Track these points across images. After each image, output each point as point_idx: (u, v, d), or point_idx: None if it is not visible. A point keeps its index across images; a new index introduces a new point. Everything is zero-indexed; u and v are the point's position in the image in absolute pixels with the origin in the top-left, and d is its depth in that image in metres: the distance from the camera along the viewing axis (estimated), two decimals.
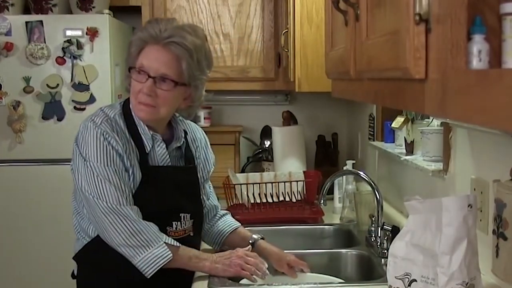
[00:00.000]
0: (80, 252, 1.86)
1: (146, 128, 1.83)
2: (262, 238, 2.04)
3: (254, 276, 1.83)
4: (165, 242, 1.75)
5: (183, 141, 1.94)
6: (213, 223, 2.09)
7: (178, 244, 1.79)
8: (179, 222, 1.88)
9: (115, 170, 1.75)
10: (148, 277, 1.73)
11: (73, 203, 1.90)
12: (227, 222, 2.10)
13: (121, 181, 1.75)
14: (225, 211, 2.16)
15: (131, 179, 1.78)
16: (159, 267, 1.73)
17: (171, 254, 1.74)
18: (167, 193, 1.85)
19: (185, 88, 1.83)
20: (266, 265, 1.88)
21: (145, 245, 1.72)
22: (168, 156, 1.88)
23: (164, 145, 1.87)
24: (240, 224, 2.12)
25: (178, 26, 1.80)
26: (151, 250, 1.72)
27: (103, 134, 1.75)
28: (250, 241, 2.01)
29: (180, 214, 1.88)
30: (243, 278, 1.91)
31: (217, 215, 2.11)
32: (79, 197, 1.83)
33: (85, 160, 1.75)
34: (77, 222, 1.88)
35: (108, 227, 1.73)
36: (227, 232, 2.07)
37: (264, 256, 1.96)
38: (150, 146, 1.83)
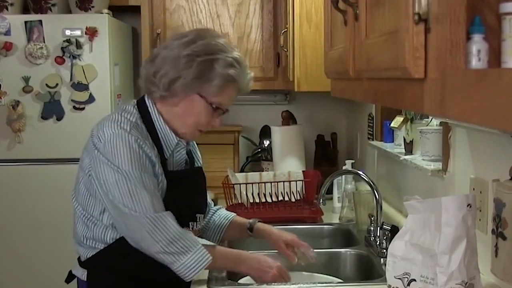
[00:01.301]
0: (93, 257, 1.82)
1: (173, 134, 1.83)
2: (259, 221, 2.06)
3: None
4: (203, 245, 1.75)
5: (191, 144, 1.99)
6: (209, 219, 2.10)
7: (213, 243, 1.81)
8: (195, 223, 1.90)
9: (150, 177, 1.72)
10: (187, 281, 1.74)
11: (78, 210, 1.83)
12: (223, 215, 2.11)
13: (155, 188, 1.73)
14: (218, 206, 2.18)
15: (159, 186, 1.78)
16: (200, 271, 1.74)
17: (211, 257, 1.74)
18: (187, 197, 1.87)
19: None
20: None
21: (184, 251, 1.71)
22: (184, 161, 1.90)
23: (185, 151, 1.89)
24: (234, 213, 2.13)
25: (247, 65, 1.86)
26: (191, 255, 1.72)
27: (136, 141, 1.71)
28: (248, 226, 2.04)
29: (196, 215, 1.91)
30: (242, 277, 1.91)
31: (211, 210, 2.13)
32: (95, 204, 1.78)
33: (118, 169, 1.69)
34: (86, 230, 1.81)
35: (146, 236, 1.70)
36: (225, 226, 2.08)
37: (264, 237, 2.01)
38: (170, 152, 1.83)
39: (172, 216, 1.74)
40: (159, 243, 1.69)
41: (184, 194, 1.85)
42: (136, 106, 1.83)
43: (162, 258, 1.71)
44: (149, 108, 1.83)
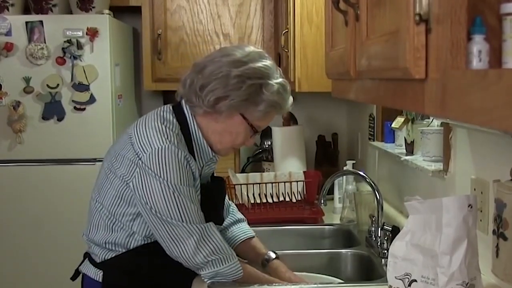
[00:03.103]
0: (111, 260, 1.81)
1: (209, 149, 1.84)
2: (277, 257, 1.98)
3: None
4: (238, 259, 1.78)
5: None
6: (227, 226, 2.06)
7: (244, 261, 1.83)
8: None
9: (195, 191, 1.74)
10: (208, 282, 1.77)
11: (102, 212, 1.80)
12: (243, 229, 2.07)
13: (198, 201, 1.76)
14: (242, 217, 2.12)
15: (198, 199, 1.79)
16: (230, 280, 1.76)
17: (242, 271, 1.76)
18: (214, 209, 1.88)
19: None
20: None
21: (223, 259, 1.74)
22: (212, 173, 1.93)
23: (215, 165, 1.91)
24: (254, 234, 2.07)
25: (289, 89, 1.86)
26: (228, 264, 1.74)
27: (186, 158, 1.71)
28: (264, 258, 1.97)
29: (217, 226, 1.91)
30: None
31: (232, 216, 2.09)
32: (127, 211, 1.77)
33: (167, 183, 1.68)
34: (109, 233, 1.80)
35: (192, 245, 1.71)
36: (240, 240, 2.04)
37: (272, 275, 1.92)
38: (202, 165, 1.84)
39: (216, 226, 1.77)
40: (202, 253, 1.71)
41: (211, 206, 1.85)
42: (174, 114, 1.81)
43: (203, 270, 1.74)
44: (188, 119, 1.81)
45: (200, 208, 1.75)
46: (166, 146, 1.69)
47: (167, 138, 1.71)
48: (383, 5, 1.15)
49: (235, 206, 2.13)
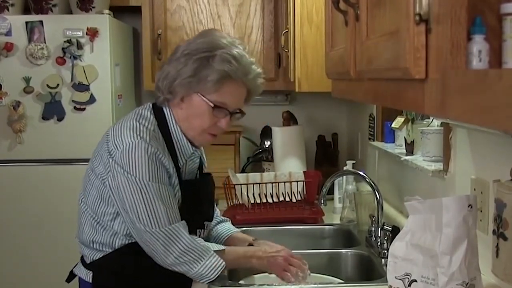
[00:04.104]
0: (99, 260, 1.82)
1: (189, 144, 1.81)
2: (256, 239, 2.00)
3: (294, 279, 1.80)
4: (214, 251, 1.76)
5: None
6: (212, 226, 2.07)
7: (222, 247, 1.81)
8: (202, 230, 1.89)
9: (166, 188, 1.71)
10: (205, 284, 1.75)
11: (88, 213, 1.81)
12: (227, 227, 2.09)
13: (171, 198, 1.73)
14: (226, 218, 2.15)
15: (175, 196, 1.77)
16: (216, 276, 1.74)
17: (224, 262, 1.75)
18: (198, 205, 1.87)
19: None
20: (308, 269, 1.86)
21: (197, 259, 1.72)
22: (197, 169, 1.89)
23: (198, 160, 1.88)
24: (239, 230, 2.10)
25: (253, 62, 1.80)
26: (204, 262, 1.73)
27: (155, 154, 1.69)
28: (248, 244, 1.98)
29: (205, 222, 1.91)
30: (243, 278, 1.91)
31: (216, 218, 2.10)
32: (107, 210, 1.77)
33: (136, 180, 1.67)
34: (94, 233, 1.80)
35: (159, 248, 1.70)
36: (226, 236, 2.05)
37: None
38: (184, 161, 1.82)
39: (185, 226, 1.74)
40: (172, 255, 1.70)
41: (195, 202, 1.84)
42: (152, 111, 1.80)
43: (177, 269, 1.73)
44: (166, 115, 1.81)
45: (174, 206, 1.73)
46: (136, 142, 1.69)
47: (138, 134, 1.70)
48: (383, 5, 1.15)
49: (218, 210, 2.14)
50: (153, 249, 1.71)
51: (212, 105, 1.76)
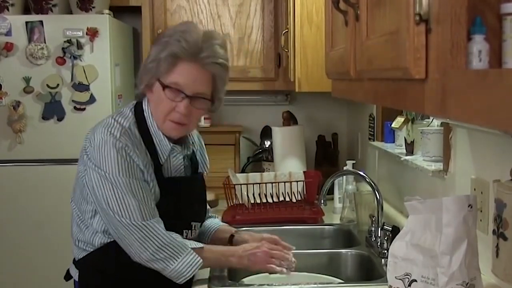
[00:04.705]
0: (83, 259, 1.83)
1: (166, 140, 1.79)
2: (237, 231, 2.01)
3: (280, 268, 1.80)
4: (192, 248, 1.74)
5: (192, 149, 1.92)
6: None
7: (201, 244, 1.79)
8: (189, 231, 1.87)
9: (138, 182, 1.70)
10: (181, 283, 1.74)
11: (75, 212, 1.83)
12: (214, 221, 2.08)
13: (144, 193, 1.71)
14: (213, 215, 2.15)
15: (152, 192, 1.75)
16: (192, 274, 1.73)
17: (201, 260, 1.73)
18: (183, 204, 1.84)
19: (213, 102, 1.82)
20: (292, 257, 1.85)
21: (174, 256, 1.71)
22: (183, 166, 1.86)
23: (181, 156, 1.84)
24: (225, 224, 2.11)
25: (213, 43, 1.73)
26: (181, 260, 1.71)
27: (124, 149, 1.68)
28: (229, 238, 1.99)
29: (192, 223, 1.88)
30: (243, 278, 1.91)
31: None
32: (87, 208, 1.78)
33: (105, 175, 1.68)
34: (79, 232, 1.82)
35: (134, 243, 1.69)
36: (213, 229, 2.04)
37: (246, 240, 1.94)
38: (165, 158, 1.80)
39: (161, 222, 1.73)
40: (148, 250, 1.69)
41: (178, 201, 1.82)
42: (133, 110, 1.80)
43: (152, 265, 1.71)
44: (144, 112, 1.80)
45: (147, 201, 1.71)
46: (106, 138, 1.70)
47: (109, 130, 1.71)
48: (383, 5, 1.15)
49: (209, 207, 2.13)
50: (129, 244, 1.70)
51: (168, 87, 1.73)
